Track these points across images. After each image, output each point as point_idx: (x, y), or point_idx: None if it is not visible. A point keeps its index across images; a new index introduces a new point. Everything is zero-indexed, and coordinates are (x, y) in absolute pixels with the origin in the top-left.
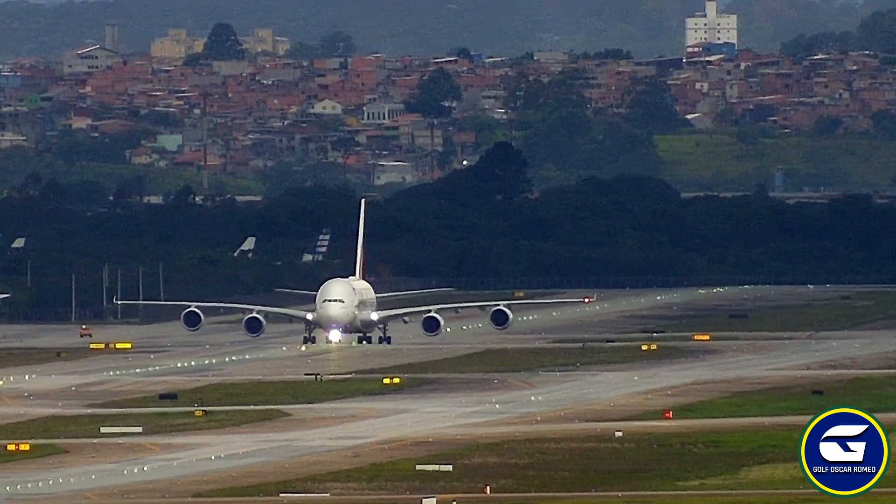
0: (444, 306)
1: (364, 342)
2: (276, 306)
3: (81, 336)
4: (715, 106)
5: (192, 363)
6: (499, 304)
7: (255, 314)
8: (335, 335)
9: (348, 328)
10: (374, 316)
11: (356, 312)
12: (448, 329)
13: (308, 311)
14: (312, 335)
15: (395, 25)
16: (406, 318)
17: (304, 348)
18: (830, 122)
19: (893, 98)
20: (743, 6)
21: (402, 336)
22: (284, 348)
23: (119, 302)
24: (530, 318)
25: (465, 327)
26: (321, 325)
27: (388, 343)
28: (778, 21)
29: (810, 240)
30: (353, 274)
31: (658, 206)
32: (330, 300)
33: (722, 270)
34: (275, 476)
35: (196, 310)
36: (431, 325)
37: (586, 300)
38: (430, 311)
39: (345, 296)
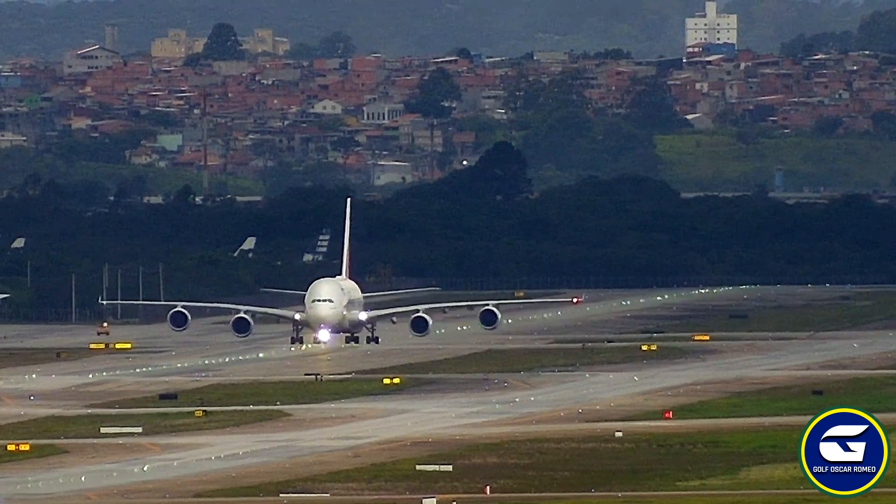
0: (432, 306)
1: (352, 342)
2: (265, 306)
3: (98, 334)
4: (715, 106)
5: (192, 363)
6: (487, 304)
7: (242, 314)
8: (324, 335)
9: (337, 328)
10: (363, 316)
11: (345, 312)
12: (438, 330)
13: (296, 311)
14: (300, 335)
15: (395, 25)
16: (394, 318)
17: (292, 349)
18: (830, 122)
19: (893, 98)
20: (743, 6)
21: (392, 337)
22: (290, 348)
23: (104, 302)
24: (532, 317)
25: (459, 328)
26: (310, 325)
27: (377, 343)
28: (778, 21)
29: (810, 240)
30: (340, 273)
31: (658, 206)
32: (319, 300)
33: (722, 270)
34: (275, 476)
35: (183, 310)
36: (420, 326)
37: (575, 300)
38: (418, 311)
39: (334, 295)
